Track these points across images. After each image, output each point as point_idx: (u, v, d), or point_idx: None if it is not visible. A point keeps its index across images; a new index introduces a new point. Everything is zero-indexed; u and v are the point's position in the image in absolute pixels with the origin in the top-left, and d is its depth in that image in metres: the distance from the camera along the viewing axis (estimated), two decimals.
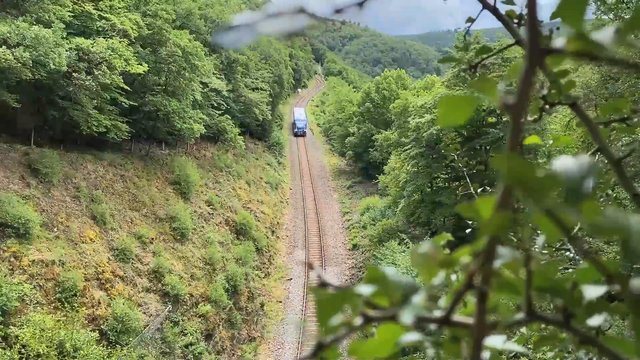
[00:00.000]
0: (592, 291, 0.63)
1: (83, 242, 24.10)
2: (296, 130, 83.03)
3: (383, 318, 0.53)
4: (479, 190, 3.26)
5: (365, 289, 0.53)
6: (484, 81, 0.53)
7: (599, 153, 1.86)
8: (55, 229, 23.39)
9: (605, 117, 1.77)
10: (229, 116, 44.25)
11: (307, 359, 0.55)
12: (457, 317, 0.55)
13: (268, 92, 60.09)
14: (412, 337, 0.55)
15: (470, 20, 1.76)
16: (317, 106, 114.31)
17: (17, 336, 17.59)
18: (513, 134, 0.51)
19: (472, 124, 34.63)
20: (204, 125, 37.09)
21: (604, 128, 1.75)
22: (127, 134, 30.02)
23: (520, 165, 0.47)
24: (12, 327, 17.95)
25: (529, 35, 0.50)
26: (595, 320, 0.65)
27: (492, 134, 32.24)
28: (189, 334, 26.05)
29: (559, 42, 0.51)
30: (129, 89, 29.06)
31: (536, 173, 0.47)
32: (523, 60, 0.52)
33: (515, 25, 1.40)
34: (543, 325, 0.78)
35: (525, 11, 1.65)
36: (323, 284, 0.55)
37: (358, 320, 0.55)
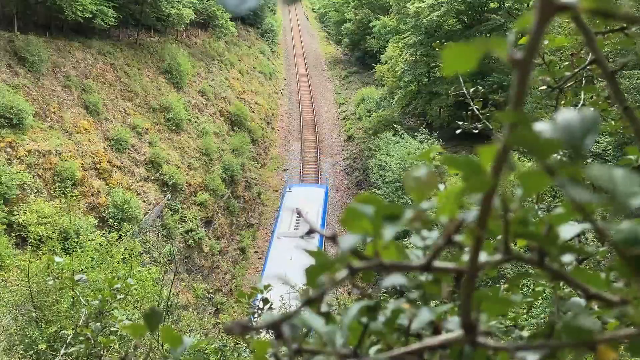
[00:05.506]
0: (567, 231, 0.66)
1: (78, 132, 24.07)
2: None
3: (368, 268, 0.56)
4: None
5: (349, 240, 0.55)
6: (492, 38, 0.52)
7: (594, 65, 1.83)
8: (48, 119, 23.23)
9: (602, 27, 1.72)
10: None
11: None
12: (437, 262, 0.58)
13: None
14: (396, 279, 0.59)
15: None
16: None
17: (19, 222, 18.15)
18: (519, 89, 0.51)
19: (473, 9, 33.22)
20: (193, 10, 35.44)
21: (600, 38, 1.70)
22: (114, 20, 28.72)
23: (522, 129, 0.49)
24: (15, 214, 18.49)
25: None
26: (567, 258, 0.69)
27: (493, 20, 31.06)
28: (189, 221, 26.95)
29: None
30: None
31: (537, 137, 0.48)
32: (533, 14, 0.50)
33: None
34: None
35: None
36: (311, 232, 0.57)
37: (343, 273, 0.58)
